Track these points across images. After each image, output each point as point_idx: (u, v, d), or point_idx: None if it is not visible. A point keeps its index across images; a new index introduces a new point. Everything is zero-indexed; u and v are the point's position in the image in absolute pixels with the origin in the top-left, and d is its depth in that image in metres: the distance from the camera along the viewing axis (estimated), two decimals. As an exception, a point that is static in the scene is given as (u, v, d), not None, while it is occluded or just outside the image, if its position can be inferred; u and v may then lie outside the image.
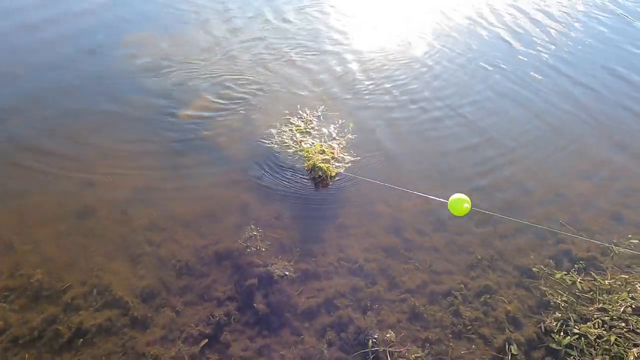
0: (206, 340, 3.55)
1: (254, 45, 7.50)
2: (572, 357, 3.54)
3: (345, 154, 5.46)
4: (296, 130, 5.77)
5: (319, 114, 6.11)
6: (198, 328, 3.63)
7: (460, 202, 3.63)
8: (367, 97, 6.61)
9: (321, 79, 6.90)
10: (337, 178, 5.12)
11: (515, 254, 4.45)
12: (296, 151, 5.43)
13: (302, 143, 5.56)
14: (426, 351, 3.59)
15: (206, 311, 3.75)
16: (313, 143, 5.54)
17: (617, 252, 4.45)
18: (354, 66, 7.29)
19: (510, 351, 3.57)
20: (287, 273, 4.09)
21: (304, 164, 5.24)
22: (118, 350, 3.42)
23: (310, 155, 5.26)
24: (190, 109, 6.02)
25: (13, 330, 3.48)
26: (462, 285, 4.12)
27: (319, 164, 5.07)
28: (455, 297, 4.01)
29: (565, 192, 5.24)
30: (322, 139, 5.66)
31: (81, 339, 3.46)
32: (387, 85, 6.86)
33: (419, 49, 7.81)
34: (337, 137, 5.71)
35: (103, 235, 4.33)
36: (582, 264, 4.33)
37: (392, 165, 5.42)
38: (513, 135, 6.05)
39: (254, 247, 4.28)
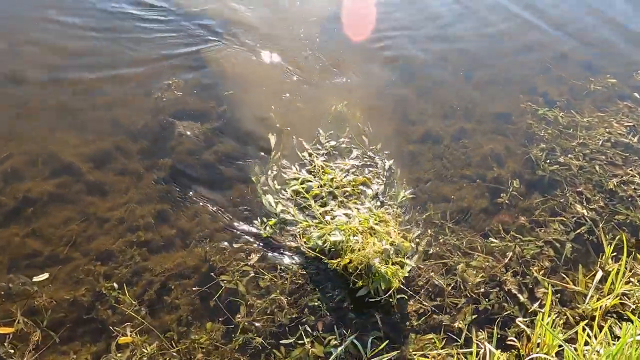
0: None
1: None
2: (557, 187, 3.51)
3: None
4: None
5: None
6: (159, 187, 3.29)
7: None
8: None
9: None
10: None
11: (490, 102, 4.28)
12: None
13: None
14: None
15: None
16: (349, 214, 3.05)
17: (592, 89, 4.45)
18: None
19: (512, 185, 3.51)
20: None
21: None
22: (77, 217, 3.02)
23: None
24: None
25: (-58, 202, 3.00)
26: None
27: (379, 268, 2.59)
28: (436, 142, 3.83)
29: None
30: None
31: (31, 208, 3.02)
32: None
33: None
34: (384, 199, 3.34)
35: (40, 104, 3.78)
36: (563, 101, 4.28)
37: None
38: None
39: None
